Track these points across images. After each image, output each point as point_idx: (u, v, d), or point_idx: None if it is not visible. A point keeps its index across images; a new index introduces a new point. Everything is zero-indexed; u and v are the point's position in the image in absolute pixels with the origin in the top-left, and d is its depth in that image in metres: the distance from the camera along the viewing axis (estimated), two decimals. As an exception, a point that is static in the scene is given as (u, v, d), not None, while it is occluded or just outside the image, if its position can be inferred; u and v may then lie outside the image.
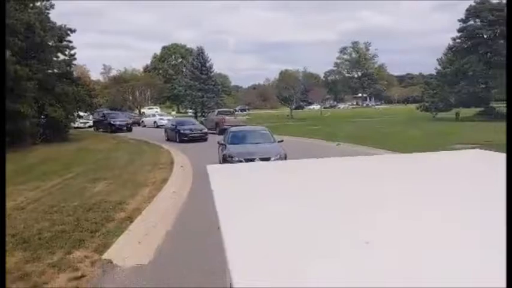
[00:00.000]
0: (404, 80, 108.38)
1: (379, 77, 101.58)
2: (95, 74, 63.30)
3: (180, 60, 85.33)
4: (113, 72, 76.23)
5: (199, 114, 55.43)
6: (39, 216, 8.22)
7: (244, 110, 38.94)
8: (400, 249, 1.00)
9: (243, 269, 0.87)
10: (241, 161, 11.34)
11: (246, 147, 13.21)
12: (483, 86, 39.64)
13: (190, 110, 64.12)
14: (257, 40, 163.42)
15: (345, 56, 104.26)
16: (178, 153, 19.23)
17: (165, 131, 27.90)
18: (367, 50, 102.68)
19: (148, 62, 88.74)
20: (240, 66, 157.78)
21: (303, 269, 0.90)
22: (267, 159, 11.67)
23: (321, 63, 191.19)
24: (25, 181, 12.14)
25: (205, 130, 26.59)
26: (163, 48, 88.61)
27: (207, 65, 64.41)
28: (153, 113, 49.51)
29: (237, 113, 46.03)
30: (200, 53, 64.19)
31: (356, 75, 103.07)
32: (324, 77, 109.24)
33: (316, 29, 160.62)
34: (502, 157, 1.98)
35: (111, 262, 5.86)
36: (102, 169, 14.37)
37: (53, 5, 24.67)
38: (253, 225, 1.14)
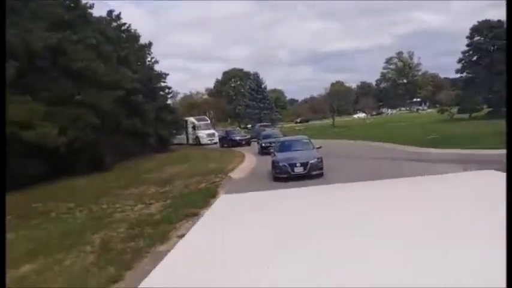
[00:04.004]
0: (457, 83, 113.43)
1: (423, 83, 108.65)
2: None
3: (238, 82, 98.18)
4: (179, 96, 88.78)
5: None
6: (192, 172, 19.53)
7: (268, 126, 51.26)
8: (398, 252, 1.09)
9: None
10: (285, 165, 15.48)
11: (290, 154, 16.53)
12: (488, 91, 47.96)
13: (249, 126, 76.48)
14: (311, 51, 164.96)
15: (391, 66, 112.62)
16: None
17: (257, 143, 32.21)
18: (411, 59, 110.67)
19: (208, 83, 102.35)
20: (295, 77, 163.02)
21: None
22: (306, 163, 15.42)
23: (377, 69, 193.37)
24: (168, 166, 23.60)
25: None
26: (224, 73, 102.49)
27: (262, 86, 76.50)
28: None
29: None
30: (256, 77, 76.52)
31: (401, 82, 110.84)
32: (375, 84, 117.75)
33: (369, 35, 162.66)
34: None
35: (231, 177, 17.15)
36: (207, 160, 25.85)
37: (158, 61, 37.13)
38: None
